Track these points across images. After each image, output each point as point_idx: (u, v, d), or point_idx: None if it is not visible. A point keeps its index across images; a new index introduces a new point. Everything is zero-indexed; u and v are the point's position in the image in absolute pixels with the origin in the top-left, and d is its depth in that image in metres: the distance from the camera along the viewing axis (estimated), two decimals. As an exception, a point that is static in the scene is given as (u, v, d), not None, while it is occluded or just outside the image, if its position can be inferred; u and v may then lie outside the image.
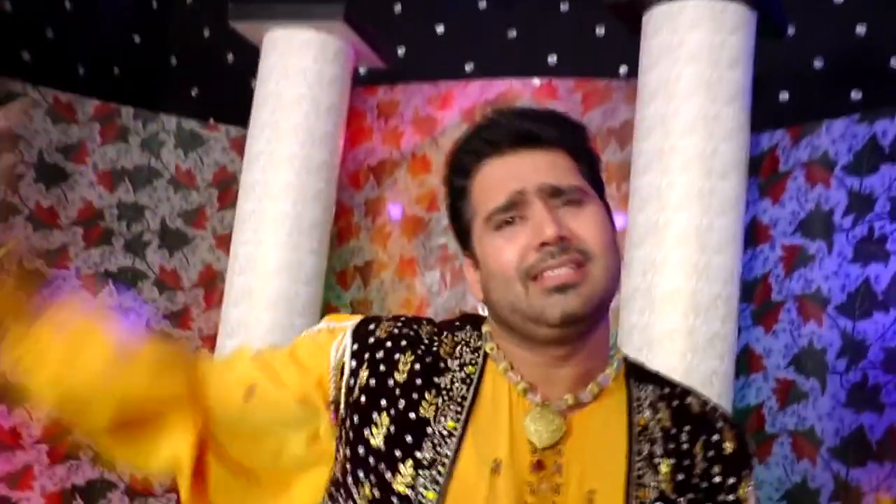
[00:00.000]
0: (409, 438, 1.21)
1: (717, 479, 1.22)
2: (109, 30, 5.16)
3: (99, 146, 4.71)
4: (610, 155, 3.98)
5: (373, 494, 1.22)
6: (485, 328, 1.28)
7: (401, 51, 5.15)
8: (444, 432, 1.22)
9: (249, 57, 4.71)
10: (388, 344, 1.26)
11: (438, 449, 1.22)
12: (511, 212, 1.19)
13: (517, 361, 1.24)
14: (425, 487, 1.19)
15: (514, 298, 1.18)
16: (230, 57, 5.19)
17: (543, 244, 1.14)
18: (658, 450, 1.24)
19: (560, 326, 1.16)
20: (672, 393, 1.30)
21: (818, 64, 4.08)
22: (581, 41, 4.95)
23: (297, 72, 4.26)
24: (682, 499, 1.21)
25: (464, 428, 1.22)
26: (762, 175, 4.13)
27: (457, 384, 1.26)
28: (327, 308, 4.50)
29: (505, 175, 1.23)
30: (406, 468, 1.21)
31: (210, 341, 4.62)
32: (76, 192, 4.73)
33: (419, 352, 1.26)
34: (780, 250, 4.08)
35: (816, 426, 3.34)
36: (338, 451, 1.25)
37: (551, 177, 1.21)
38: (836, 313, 3.39)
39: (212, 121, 5.00)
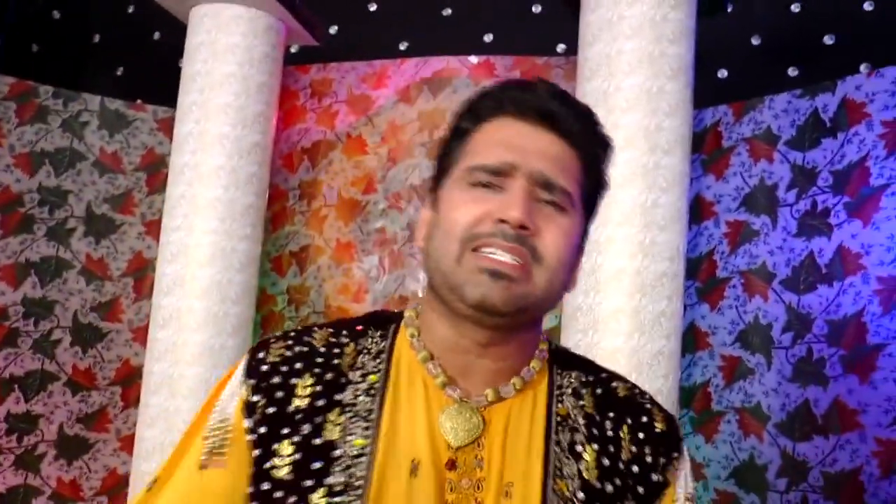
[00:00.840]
0: (316, 465, 1.14)
1: (649, 459, 1.19)
2: (26, 4, 4.92)
3: (15, 127, 4.49)
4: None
5: None
6: (408, 312, 1.22)
7: (333, 29, 4.99)
8: (354, 452, 1.16)
9: (177, 34, 4.53)
10: (283, 368, 1.20)
11: (350, 471, 1.15)
12: (493, 177, 1.12)
13: (438, 347, 1.18)
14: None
15: (446, 258, 1.12)
16: (157, 35, 4.95)
17: (503, 221, 1.08)
18: (580, 437, 1.20)
19: (474, 309, 1.10)
20: (597, 379, 1.25)
21: (755, 41, 4.10)
22: (518, 19, 4.80)
23: (226, 49, 4.13)
24: (608, 484, 1.18)
25: (374, 443, 1.17)
26: (705, 151, 4.11)
27: (361, 397, 1.19)
28: (262, 296, 4.44)
29: (510, 141, 1.16)
30: (317, 498, 1.14)
31: (141, 333, 4.49)
32: None
33: (316, 370, 1.20)
34: (725, 226, 4.05)
35: (763, 402, 3.36)
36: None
37: (550, 168, 1.14)
38: (782, 288, 3.41)
39: (139, 101, 4.83)
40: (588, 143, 1.19)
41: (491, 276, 1.08)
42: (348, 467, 1.15)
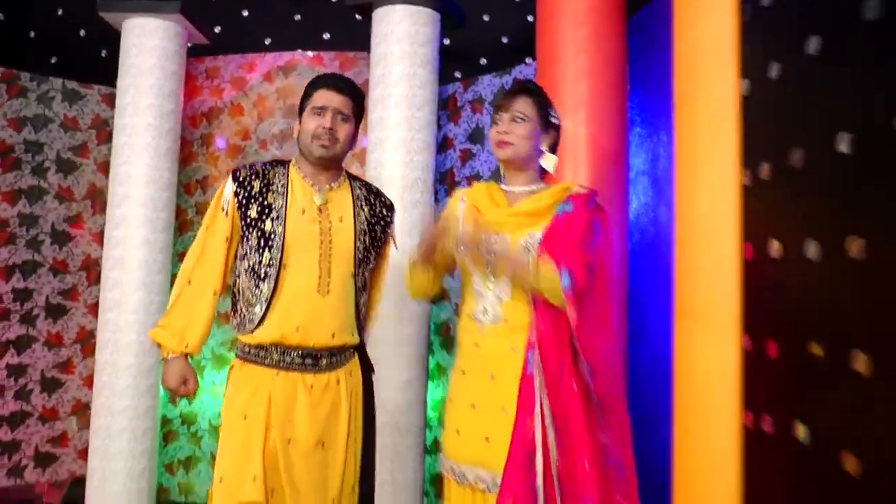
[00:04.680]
0: (266, 212, 2.54)
1: (384, 213, 2.73)
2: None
3: (6, 101, 5.18)
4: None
5: (257, 235, 2.54)
6: (292, 160, 2.63)
7: (217, 30, 5.67)
8: (279, 207, 2.57)
9: (109, 37, 5.19)
10: (248, 175, 2.62)
11: (278, 213, 2.57)
12: (321, 110, 2.61)
13: (305, 171, 2.62)
14: (277, 228, 2.53)
15: (305, 140, 2.61)
16: (97, 36, 5.61)
17: (325, 127, 2.57)
18: (363, 204, 2.68)
19: (317, 159, 2.58)
20: (370, 187, 2.75)
21: (474, 44, 5.14)
22: (343, 24, 5.55)
23: (150, 48, 4.88)
24: (373, 219, 2.68)
25: (286, 206, 2.56)
26: (449, 109, 5.02)
27: (279, 190, 2.61)
28: (178, 210, 5.13)
29: (325, 96, 2.60)
30: (267, 223, 2.54)
31: (98, 236, 5.29)
32: None
33: (262, 178, 2.61)
34: (458, 152, 4.96)
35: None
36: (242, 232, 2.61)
37: (340, 105, 2.62)
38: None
39: (89, 83, 5.39)
40: (354, 96, 2.63)
41: (321, 147, 2.56)
42: (277, 215, 2.54)
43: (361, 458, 2.69)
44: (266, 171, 2.65)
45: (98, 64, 5.77)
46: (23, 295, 5.25)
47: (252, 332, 2.58)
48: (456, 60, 5.24)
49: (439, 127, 4.91)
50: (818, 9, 1.74)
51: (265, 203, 2.58)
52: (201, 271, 2.63)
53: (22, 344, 5.20)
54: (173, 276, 4.71)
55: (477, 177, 4.81)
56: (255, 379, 2.60)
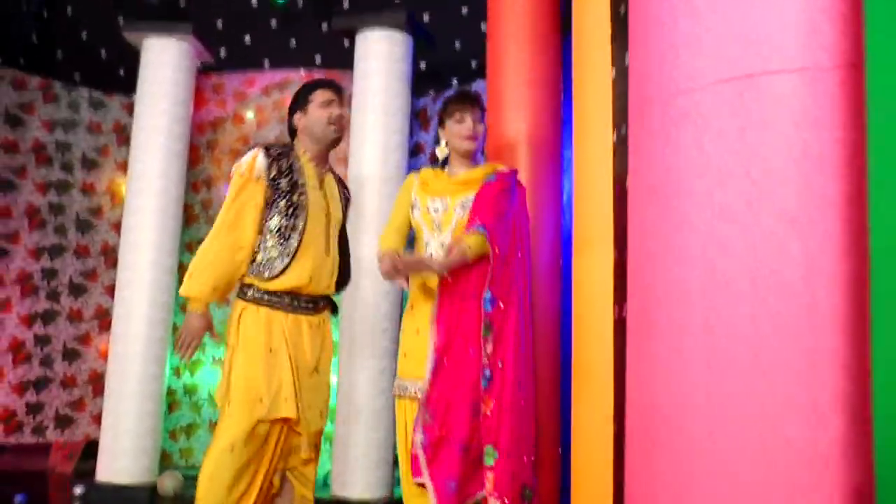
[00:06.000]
0: (294, 186, 3.06)
1: (348, 196, 3.43)
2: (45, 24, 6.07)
3: (42, 106, 5.91)
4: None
5: (286, 203, 3.03)
6: (296, 144, 3.14)
7: (223, 52, 6.18)
8: (303, 184, 3.11)
9: (128, 56, 5.76)
10: (279, 154, 3.08)
11: (302, 187, 3.11)
12: (327, 102, 3.20)
13: (311, 155, 3.17)
14: (302, 200, 3.06)
15: (318, 127, 3.16)
16: (116, 55, 6.22)
17: (337, 114, 3.20)
18: (341, 190, 3.36)
19: (329, 143, 3.21)
20: (338, 176, 3.41)
21: (423, 65, 5.87)
22: (330, 47, 6.01)
23: (165, 63, 5.53)
24: (347, 205, 3.38)
25: (306, 183, 3.12)
26: (420, 119, 5.74)
27: (300, 169, 3.12)
28: (185, 206, 5.69)
29: (328, 94, 3.24)
30: (295, 195, 3.05)
31: (116, 226, 5.94)
32: (29, 132, 5.90)
33: (287, 158, 3.10)
34: (427, 155, 5.64)
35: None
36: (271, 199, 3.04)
37: (341, 100, 3.26)
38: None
39: (111, 92, 6.06)
40: (343, 93, 3.25)
41: (337, 131, 3.16)
42: (302, 190, 3.09)
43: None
44: (288, 152, 3.14)
45: (118, 77, 6.29)
46: (49, 274, 5.94)
47: (270, 280, 3.06)
48: (430, 79, 5.80)
49: (413, 134, 5.58)
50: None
51: (293, 178, 3.09)
52: (232, 233, 3.02)
53: (48, 317, 5.89)
54: (181, 262, 5.53)
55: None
56: (273, 320, 3.07)
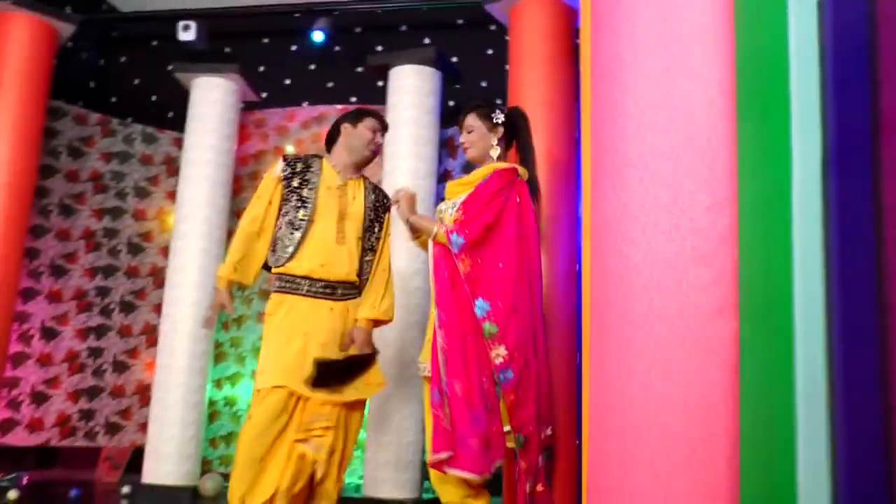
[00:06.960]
0: (304, 184, 3.51)
1: (385, 201, 3.72)
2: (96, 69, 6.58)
3: (100, 139, 6.24)
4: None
5: (296, 199, 3.45)
6: (325, 156, 3.54)
7: (265, 93, 6.50)
8: (314, 183, 3.52)
9: (177, 96, 6.05)
10: (295, 161, 3.55)
11: (313, 186, 3.51)
12: (373, 130, 3.64)
13: (338, 163, 3.59)
14: (310, 195, 3.45)
15: (360, 142, 3.59)
16: (166, 95, 6.64)
17: (378, 143, 3.64)
18: (372, 196, 3.67)
19: (366, 159, 3.62)
20: (376, 186, 3.73)
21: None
22: (365, 86, 6.35)
23: (213, 101, 5.79)
24: (379, 208, 3.66)
25: (318, 183, 3.51)
26: (448, 147, 5.95)
27: (316, 172, 3.54)
28: (229, 232, 5.58)
29: (373, 124, 3.69)
30: (304, 191, 3.48)
31: (163, 249, 6.22)
32: (88, 162, 6.24)
33: (303, 162, 3.55)
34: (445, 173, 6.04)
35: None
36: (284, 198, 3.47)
37: (383, 130, 3.69)
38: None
39: (163, 128, 6.40)
40: (386, 129, 3.70)
41: (373, 153, 3.62)
42: (312, 188, 3.48)
43: None
44: (307, 159, 3.56)
45: (167, 116, 6.72)
46: (103, 292, 6.24)
47: (282, 265, 3.40)
48: (458, 113, 6.01)
49: (441, 161, 5.73)
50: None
51: (305, 178, 3.48)
52: (251, 224, 3.47)
53: (100, 332, 6.18)
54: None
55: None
56: (291, 304, 3.40)
